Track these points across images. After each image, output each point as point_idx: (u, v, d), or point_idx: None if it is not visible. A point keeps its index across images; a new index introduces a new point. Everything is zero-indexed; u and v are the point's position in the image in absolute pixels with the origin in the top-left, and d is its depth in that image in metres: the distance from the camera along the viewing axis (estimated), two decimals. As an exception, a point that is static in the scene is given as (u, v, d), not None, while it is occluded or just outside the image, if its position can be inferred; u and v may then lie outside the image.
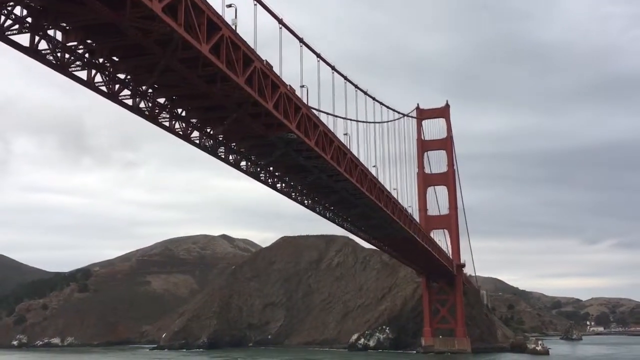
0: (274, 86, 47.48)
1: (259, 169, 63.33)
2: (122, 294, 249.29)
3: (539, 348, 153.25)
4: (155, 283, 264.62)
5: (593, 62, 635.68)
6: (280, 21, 52.32)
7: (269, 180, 67.38)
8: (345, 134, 67.25)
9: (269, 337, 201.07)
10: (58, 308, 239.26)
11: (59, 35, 37.69)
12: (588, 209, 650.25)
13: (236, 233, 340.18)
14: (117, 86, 43.22)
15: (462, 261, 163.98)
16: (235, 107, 46.54)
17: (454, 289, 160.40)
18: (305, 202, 77.03)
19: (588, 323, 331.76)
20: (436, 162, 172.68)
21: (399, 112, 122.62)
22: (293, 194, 73.40)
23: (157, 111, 47.60)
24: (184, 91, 44.40)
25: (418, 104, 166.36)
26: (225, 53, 39.64)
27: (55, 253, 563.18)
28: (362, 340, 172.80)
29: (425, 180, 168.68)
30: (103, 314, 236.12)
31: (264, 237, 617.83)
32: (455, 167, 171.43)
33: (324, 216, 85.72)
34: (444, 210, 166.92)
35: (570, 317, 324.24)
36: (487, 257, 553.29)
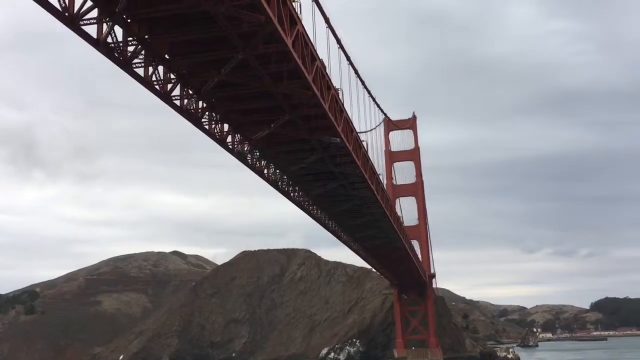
0: (327, 87, 45.40)
1: (283, 177, 60.80)
2: (71, 315, 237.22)
3: (510, 356, 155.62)
4: (106, 303, 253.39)
5: (537, 76, 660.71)
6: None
7: (287, 189, 64.96)
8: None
9: (233, 354, 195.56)
10: (3, 332, 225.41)
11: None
12: (527, 219, 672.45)
13: (183, 249, 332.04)
14: (169, 85, 40.26)
15: (432, 271, 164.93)
16: (290, 109, 44.19)
17: (425, 299, 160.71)
18: (315, 211, 74.83)
19: (535, 330, 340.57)
20: (402, 173, 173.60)
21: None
22: (305, 203, 71.15)
23: (200, 113, 44.80)
24: (242, 91, 41.66)
25: (386, 115, 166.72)
26: (301, 49, 37.38)
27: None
28: (332, 354, 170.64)
29: (395, 192, 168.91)
30: (52, 337, 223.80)
31: (214, 253, 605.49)
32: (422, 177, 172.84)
33: (326, 226, 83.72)
34: (413, 221, 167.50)
35: (518, 325, 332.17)
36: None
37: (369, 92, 70.86)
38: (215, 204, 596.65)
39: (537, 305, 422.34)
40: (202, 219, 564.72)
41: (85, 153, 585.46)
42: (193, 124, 44.76)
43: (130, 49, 35.58)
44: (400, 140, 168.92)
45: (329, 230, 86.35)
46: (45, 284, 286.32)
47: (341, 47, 48.01)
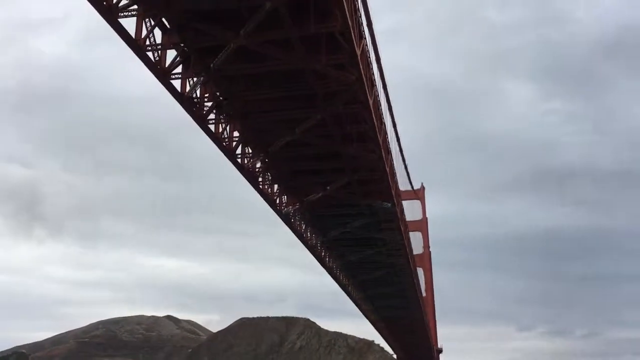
0: (387, 151, 45.07)
1: (321, 242, 59.65)
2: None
3: None
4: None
5: (533, 153, 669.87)
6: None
7: (322, 254, 63.68)
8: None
9: None
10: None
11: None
12: (520, 296, 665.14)
13: (175, 314, 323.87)
14: (233, 143, 39.77)
15: (439, 346, 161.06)
16: (351, 172, 43.66)
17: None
18: (343, 279, 73.29)
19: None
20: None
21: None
22: (336, 270, 69.70)
23: (257, 172, 44.18)
24: (307, 151, 41.19)
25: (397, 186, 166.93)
26: (375, 111, 37.18)
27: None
28: None
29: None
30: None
31: (207, 319, 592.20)
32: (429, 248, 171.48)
33: (350, 294, 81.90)
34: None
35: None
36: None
37: (403, 160, 70.64)
38: (207, 269, 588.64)
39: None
40: (192, 284, 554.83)
41: (87, 212, 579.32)
42: (251, 184, 44.00)
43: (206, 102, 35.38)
44: (410, 210, 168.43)
45: (351, 299, 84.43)
46: (32, 345, 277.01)
47: (390, 110, 47.82)
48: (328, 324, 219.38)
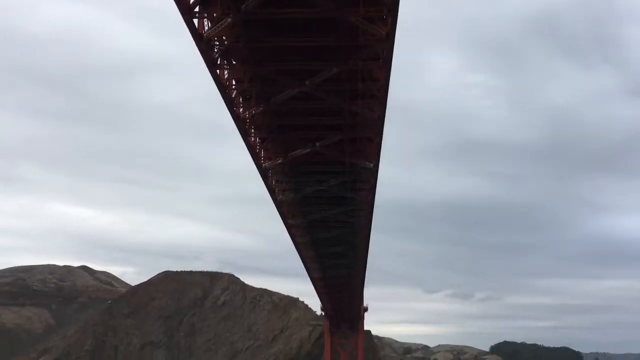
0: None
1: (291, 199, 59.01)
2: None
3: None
4: (5, 316, 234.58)
5: (450, 125, 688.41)
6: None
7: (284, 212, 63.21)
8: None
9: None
10: None
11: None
12: (429, 260, 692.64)
13: (78, 264, 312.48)
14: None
15: (365, 304, 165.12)
16: (346, 130, 43.17)
17: (356, 332, 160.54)
18: (301, 238, 73.26)
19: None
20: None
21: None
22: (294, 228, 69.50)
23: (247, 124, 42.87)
24: (309, 105, 40.19)
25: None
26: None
27: None
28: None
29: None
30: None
31: (121, 271, 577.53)
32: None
33: (300, 254, 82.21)
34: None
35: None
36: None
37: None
38: (118, 220, 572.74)
39: (439, 345, 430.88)
40: (104, 235, 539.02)
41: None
42: (241, 134, 42.73)
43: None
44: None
45: (300, 256, 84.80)
46: None
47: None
48: (251, 281, 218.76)
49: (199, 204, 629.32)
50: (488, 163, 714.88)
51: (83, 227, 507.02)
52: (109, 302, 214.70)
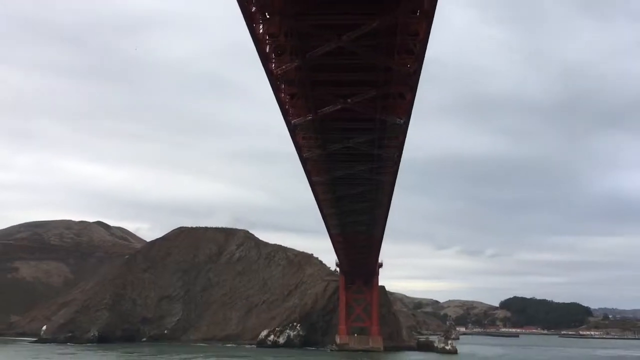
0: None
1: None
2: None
3: (448, 347, 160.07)
4: (23, 270, 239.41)
5: (464, 79, 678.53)
6: None
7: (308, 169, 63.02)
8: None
9: (165, 331, 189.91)
10: None
11: None
12: (440, 217, 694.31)
13: (92, 219, 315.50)
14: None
15: (380, 261, 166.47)
16: (381, 85, 42.52)
17: (370, 288, 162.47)
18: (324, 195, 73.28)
19: (450, 323, 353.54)
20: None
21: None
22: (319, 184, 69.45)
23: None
24: (344, 60, 39.49)
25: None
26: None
27: None
28: (272, 337, 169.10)
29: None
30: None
31: (136, 227, 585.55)
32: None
33: (322, 211, 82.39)
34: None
35: (432, 318, 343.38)
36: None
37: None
38: (131, 177, 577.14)
39: (449, 300, 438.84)
40: (117, 191, 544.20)
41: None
42: (273, 90, 42.20)
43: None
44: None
45: (322, 214, 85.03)
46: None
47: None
48: (266, 238, 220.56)
49: (211, 161, 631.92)
50: (502, 119, 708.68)
51: (97, 184, 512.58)
52: (126, 256, 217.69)
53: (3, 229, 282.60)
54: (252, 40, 34.88)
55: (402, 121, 49.02)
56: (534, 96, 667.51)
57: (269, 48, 37.72)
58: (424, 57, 37.42)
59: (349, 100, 44.60)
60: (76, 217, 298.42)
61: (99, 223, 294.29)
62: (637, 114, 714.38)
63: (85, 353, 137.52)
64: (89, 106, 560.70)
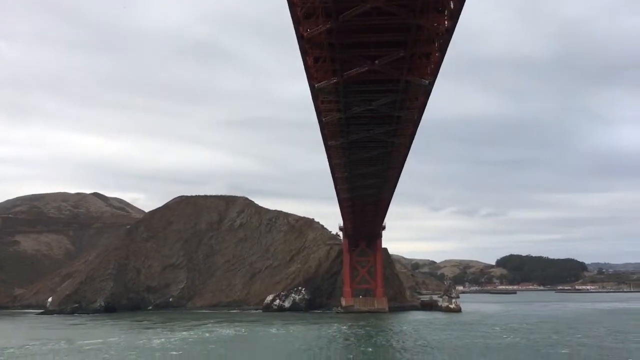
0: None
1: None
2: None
3: (452, 306, 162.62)
4: (25, 243, 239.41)
5: (459, 41, 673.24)
6: None
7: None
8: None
9: (170, 299, 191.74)
10: None
11: None
12: (434, 178, 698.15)
13: (89, 191, 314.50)
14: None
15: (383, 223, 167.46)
16: (410, 45, 42.15)
17: (374, 250, 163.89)
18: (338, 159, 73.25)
19: (450, 283, 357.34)
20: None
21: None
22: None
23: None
24: (374, 22, 39.02)
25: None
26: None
27: None
28: (278, 301, 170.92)
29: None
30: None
31: (133, 198, 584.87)
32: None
33: (333, 174, 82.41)
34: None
35: (430, 278, 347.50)
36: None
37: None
38: (126, 147, 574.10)
39: (445, 260, 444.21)
40: (112, 162, 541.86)
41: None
42: (301, 54, 41.78)
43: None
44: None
45: (333, 177, 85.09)
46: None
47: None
48: (265, 205, 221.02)
49: (204, 129, 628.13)
50: (497, 79, 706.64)
51: (91, 155, 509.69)
52: (128, 227, 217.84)
53: (0, 203, 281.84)
54: (287, 3, 34.25)
55: (427, 82, 48.76)
56: (530, 55, 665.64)
57: (300, 11, 37.17)
58: (459, 15, 36.97)
59: (376, 61, 44.15)
60: (72, 189, 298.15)
61: (96, 194, 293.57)
62: (631, 70, 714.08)
63: (95, 323, 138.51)
64: (84, 78, 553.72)
